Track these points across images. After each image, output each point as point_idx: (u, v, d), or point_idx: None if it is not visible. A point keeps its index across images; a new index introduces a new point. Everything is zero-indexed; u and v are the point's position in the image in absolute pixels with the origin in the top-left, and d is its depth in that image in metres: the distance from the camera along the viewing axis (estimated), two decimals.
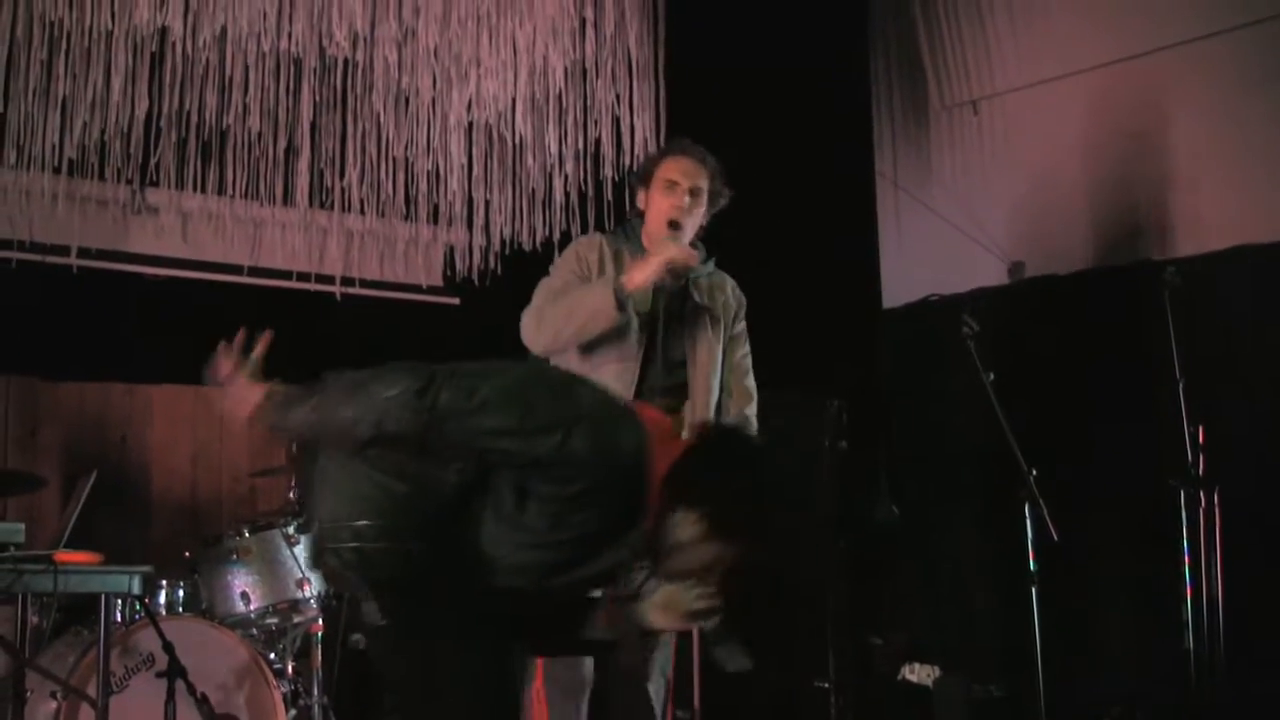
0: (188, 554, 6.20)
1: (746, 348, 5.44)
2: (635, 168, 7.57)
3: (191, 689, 5.28)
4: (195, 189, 7.07)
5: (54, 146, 6.61)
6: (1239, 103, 7.02)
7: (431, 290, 8.04)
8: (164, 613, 5.94)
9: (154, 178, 6.93)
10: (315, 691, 6.25)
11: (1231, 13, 7.06)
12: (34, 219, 6.67)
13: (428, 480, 3.58)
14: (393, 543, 3.57)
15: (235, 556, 6.07)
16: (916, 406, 8.09)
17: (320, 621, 6.31)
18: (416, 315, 7.95)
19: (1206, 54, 7.13)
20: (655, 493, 3.52)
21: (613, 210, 7.66)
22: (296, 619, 6.22)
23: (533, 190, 7.73)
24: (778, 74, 7.98)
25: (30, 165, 6.58)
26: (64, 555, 5.14)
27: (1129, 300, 7.03)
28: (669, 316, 5.16)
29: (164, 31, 6.77)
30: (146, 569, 5.51)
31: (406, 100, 7.50)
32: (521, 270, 7.02)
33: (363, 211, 7.50)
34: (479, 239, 7.74)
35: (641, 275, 4.99)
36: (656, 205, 5.21)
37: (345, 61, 7.30)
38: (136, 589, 5.44)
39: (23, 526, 5.15)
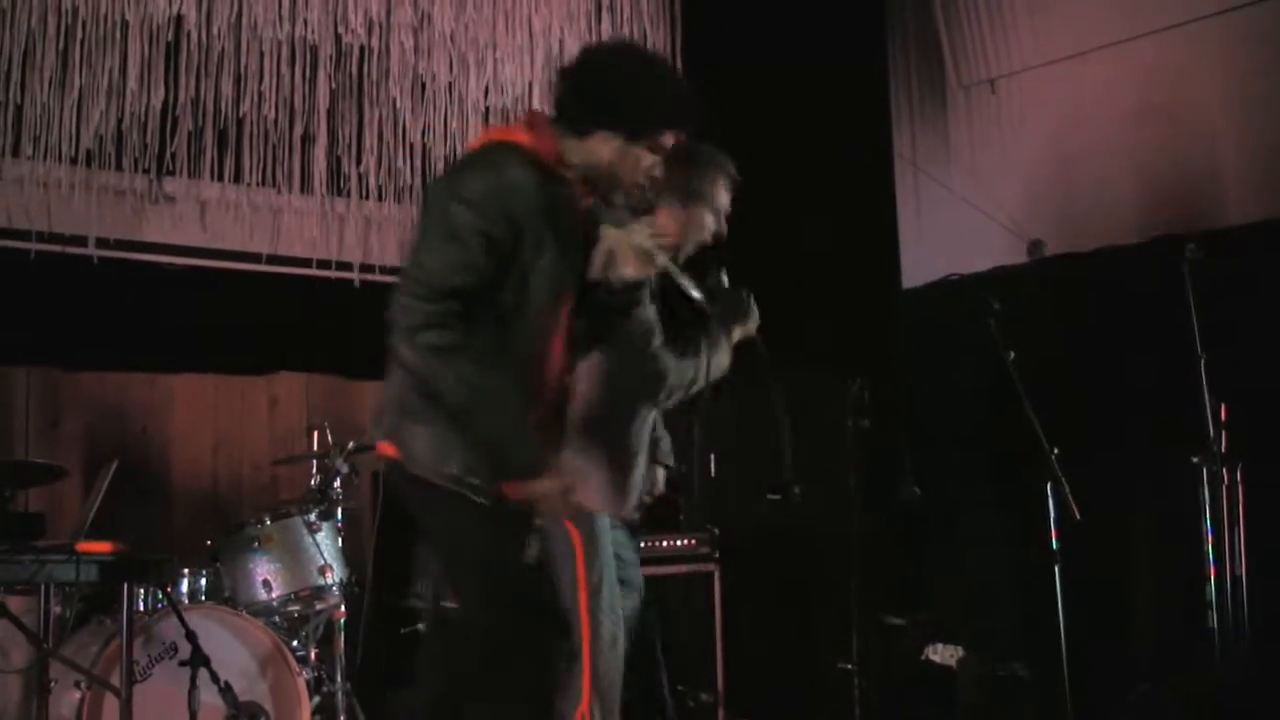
0: (209, 543, 6.20)
1: None
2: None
3: (215, 677, 5.28)
4: (212, 177, 7.08)
5: (71, 137, 6.63)
6: (1258, 76, 6.98)
7: None
8: (186, 601, 5.94)
9: (171, 167, 6.95)
10: (339, 678, 6.26)
11: None
12: (52, 209, 6.67)
13: None
14: None
15: (257, 544, 6.07)
16: (938, 385, 8.06)
17: (343, 608, 6.31)
18: None
19: (1225, 27, 7.09)
20: None
21: None
22: (319, 606, 6.22)
23: None
24: (795, 56, 7.97)
25: (47, 156, 6.60)
26: (86, 545, 5.16)
27: (1150, 276, 6.99)
28: None
29: (179, 20, 6.79)
30: (168, 558, 5.53)
31: (423, 85, 7.51)
32: None
33: (380, 198, 7.50)
34: None
35: None
36: None
37: (361, 48, 7.31)
38: (159, 578, 5.46)
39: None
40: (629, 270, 3.94)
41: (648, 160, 3.90)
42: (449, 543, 4.00)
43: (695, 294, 4.27)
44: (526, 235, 3.75)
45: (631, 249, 3.93)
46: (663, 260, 4.08)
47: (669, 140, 3.92)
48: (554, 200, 3.80)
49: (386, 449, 3.97)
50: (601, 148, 3.86)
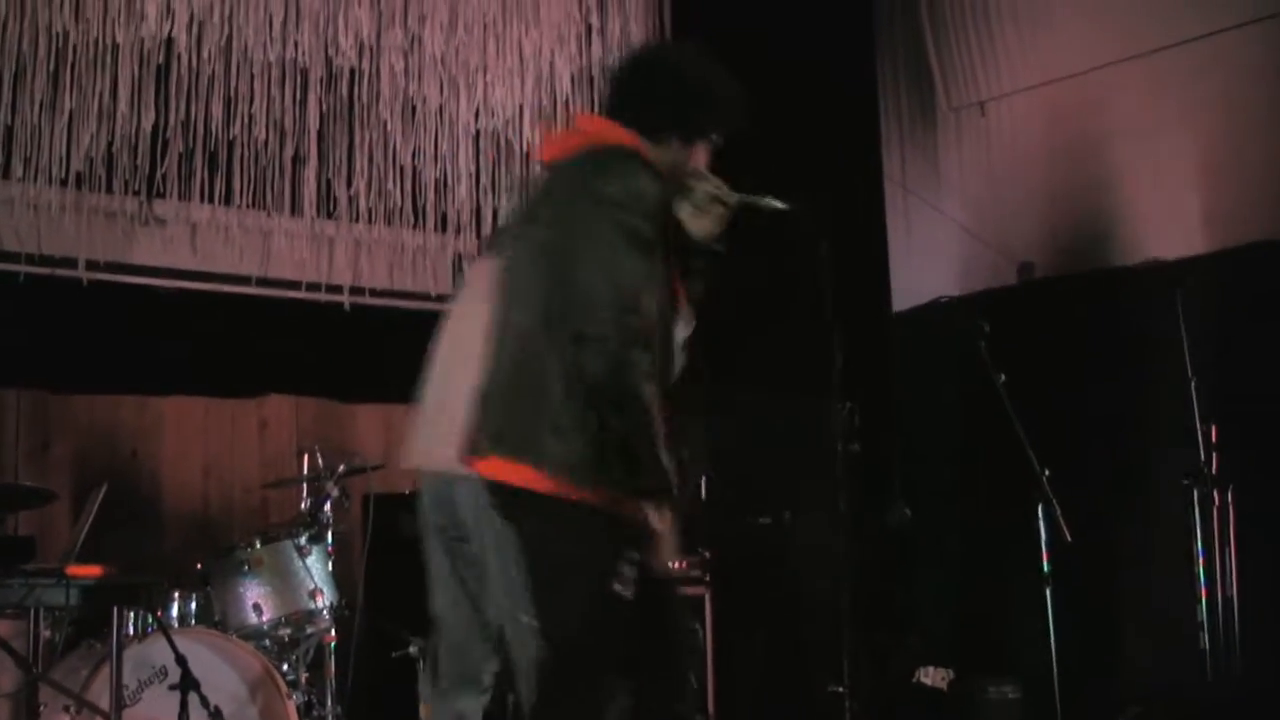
0: (200, 566, 6.18)
1: None
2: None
3: (205, 701, 5.25)
4: (203, 200, 7.08)
5: (61, 159, 6.62)
6: (1247, 99, 7.01)
7: (440, 298, 8.01)
8: (176, 625, 5.92)
9: (161, 189, 6.94)
10: (329, 702, 6.24)
11: (1235, 11, 7.05)
12: (42, 231, 6.66)
13: None
14: None
15: (247, 568, 6.06)
16: (928, 408, 8.07)
17: (333, 632, 6.30)
18: (426, 323, 7.90)
19: (1214, 51, 7.12)
20: None
21: None
22: (309, 630, 6.21)
23: None
24: (785, 79, 7.97)
25: (38, 178, 6.59)
26: (76, 568, 5.14)
27: (1140, 299, 7.01)
28: None
29: (170, 43, 6.79)
30: (158, 581, 5.52)
31: (413, 108, 7.51)
32: None
33: (370, 220, 7.50)
34: None
35: None
36: None
37: (351, 70, 7.31)
38: (148, 602, 5.45)
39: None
40: (712, 226, 3.91)
41: (701, 159, 3.94)
42: (562, 562, 3.83)
43: (778, 204, 4.25)
44: (655, 245, 3.71)
45: (708, 206, 3.89)
46: (734, 196, 4.01)
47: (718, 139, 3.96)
48: (664, 208, 3.77)
49: (493, 468, 3.85)
50: (668, 150, 3.89)
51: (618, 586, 3.68)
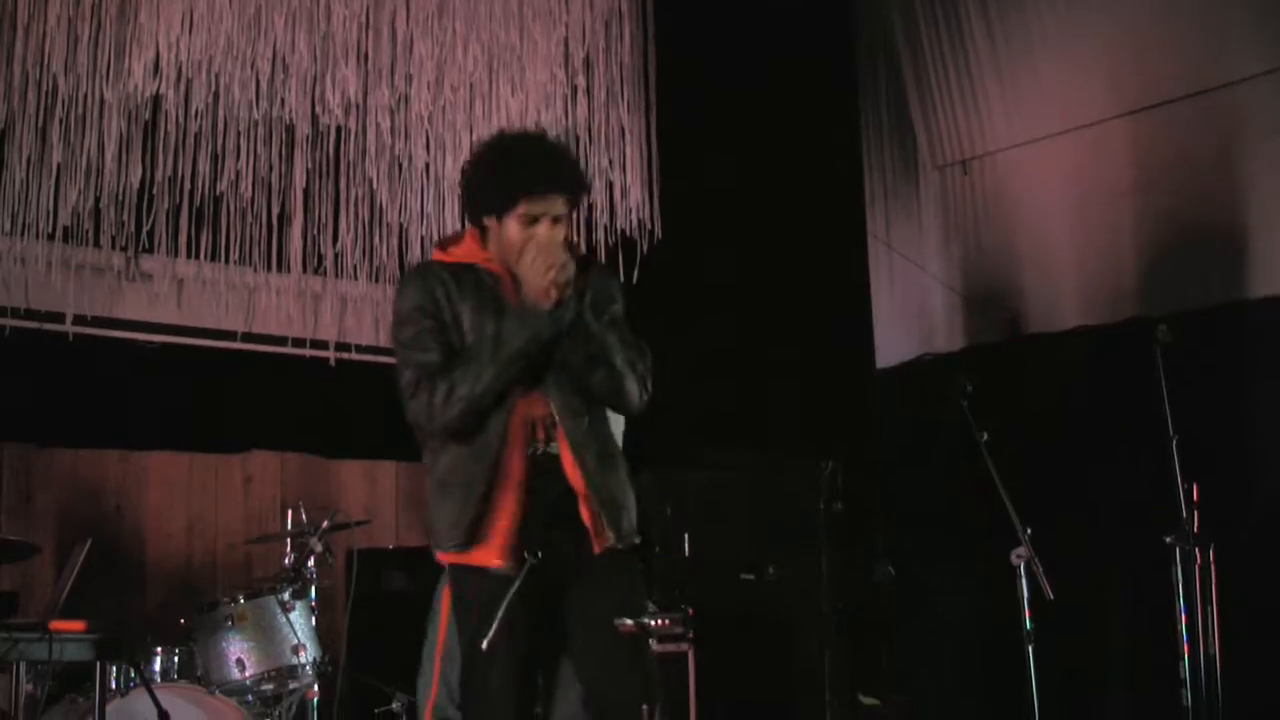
0: (183, 621, 6.18)
1: None
2: (629, 232, 7.64)
3: None
4: (189, 255, 7.08)
5: (48, 213, 6.63)
6: (1228, 158, 7.05)
7: None
8: (159, 680, 5.91)
9: (148, 244, 6.95)
10: None
11: (1219, 71, 7.10)
12: (29, 285, 6.67)
13: None
14: None
15: (230, 623, 6.05)
16: (911, 466, 8.08)
17: (315, 688, 6.28)
18: None
19: (1195, 111, 7.17)
20: None
21: None
22: (292, 685, 6.19)
23: None
24: (770, 135, 8.04)
25: (25, 232, 6.60)
26: (59, 623, 5.13)
27: (1121, 357, 7.04)
28: None
29: (157, 99, 6.81)
30: (141, 636, 5.51)
31: (400, 166, 7.53)
32: None
33: (356, 277, 7.51)
34: None
35: None
36: None
37: (338, 128, 7.33)
38: (131, 657, 5.43)
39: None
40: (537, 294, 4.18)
41: (515, 231, 4.19)
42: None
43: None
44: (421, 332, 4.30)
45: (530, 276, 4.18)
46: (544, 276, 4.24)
47: (536, 205, 4.18)
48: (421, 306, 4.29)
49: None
50: (492, 230, 4.27)
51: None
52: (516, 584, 3.97)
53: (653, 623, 4.25)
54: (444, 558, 4.23)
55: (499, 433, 4.14)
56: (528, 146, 4.31)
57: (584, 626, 4.23)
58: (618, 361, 4.20)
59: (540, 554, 4.02)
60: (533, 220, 4.17)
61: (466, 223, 4.44)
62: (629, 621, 4.15)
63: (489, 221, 4.24)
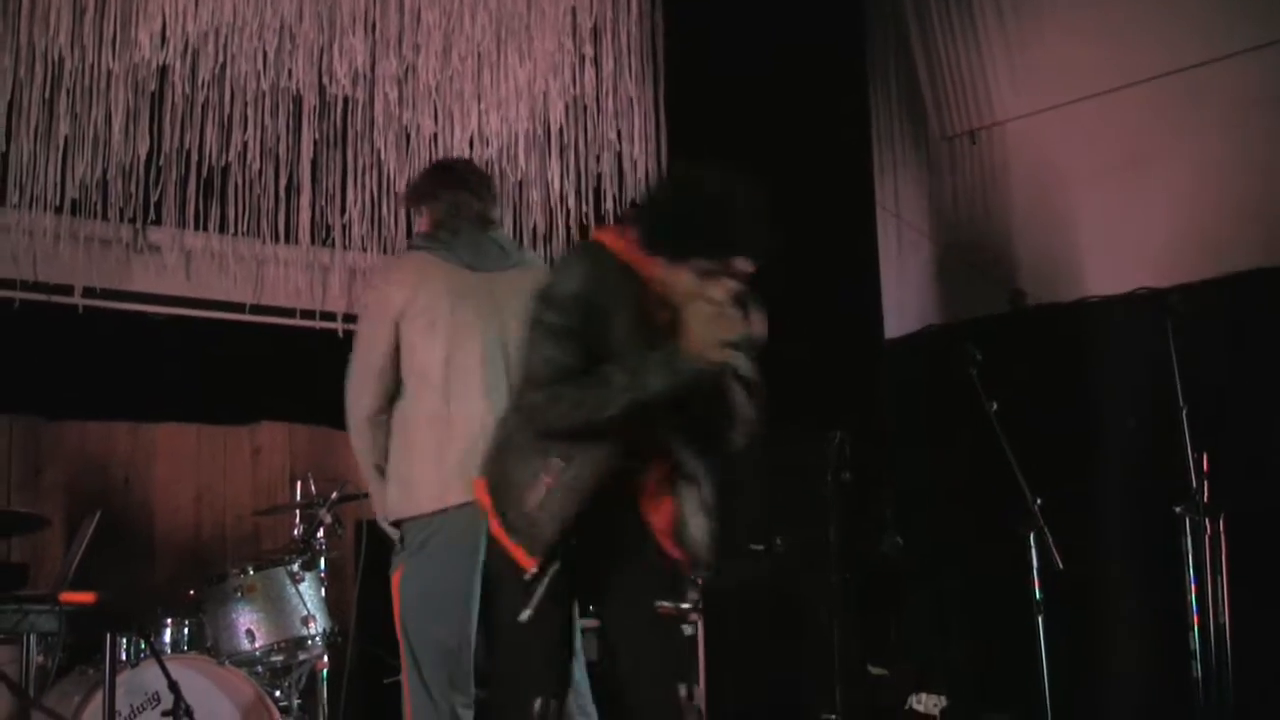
0: (192, 592, 6.18)
1: None
2: (636, 200, 7.60)
3: None
4: (197, 227, 7.07)
5: (56, 185, 6.63)
6: (1240, 127, 7.03)
7: None
8: (169, 651, 5.92)
9: (156, 216, 6.94)
10: None
11: (1229, 39, 7.08)
12: (37, 258, 6.66)
13: None
14: None
15: (240, 594, 6.05)
16: (919, 436, 8.08)
17: (325, 659, 6.29)
18: None
19: (1205, 79, 7.15)
20: None
21: None
22: (302, 656, 6.20)
23: (534, 225, 7.74)
24: (777, 109, 8.01)
25: (33, 205, 6.60)
26: (68, 595, 5.14)
27: (1131, 327, 7.03)
28: None
29: (164, 70, 6.80)
30: (151, 608, 5.51)
31: (407, 136, 7.52)
32: None
33: (365, 248, 7.50)
34: None
35: None
36: None
37: (345, 99, 7.32)
38: (141, 628, 5.44)
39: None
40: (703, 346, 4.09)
41: (691, 278, 4.03)
42: None
43: (746, 374, 4.34)
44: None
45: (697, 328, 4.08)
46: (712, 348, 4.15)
47: (727, 266, 4.04)
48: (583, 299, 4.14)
49: None
50: (657, 264, 4.08)
51: None
52: (545, 580, 4.09)
53: (690, 607, 4.27)
54: (493, 528, 4.21)
55: (596, 466, 4.08)
56: (734, 203, 4.09)
57: (624, 605, 4.27)
58: (741, 424, 4.18)
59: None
60: (714, 274, 4.04)
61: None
62: (667, 604, 4.18)
63: (666, 256, 4.06)
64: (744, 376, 4.14)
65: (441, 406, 5.08)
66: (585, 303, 4.05)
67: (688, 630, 4.31)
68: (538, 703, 4.14)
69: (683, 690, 4.13)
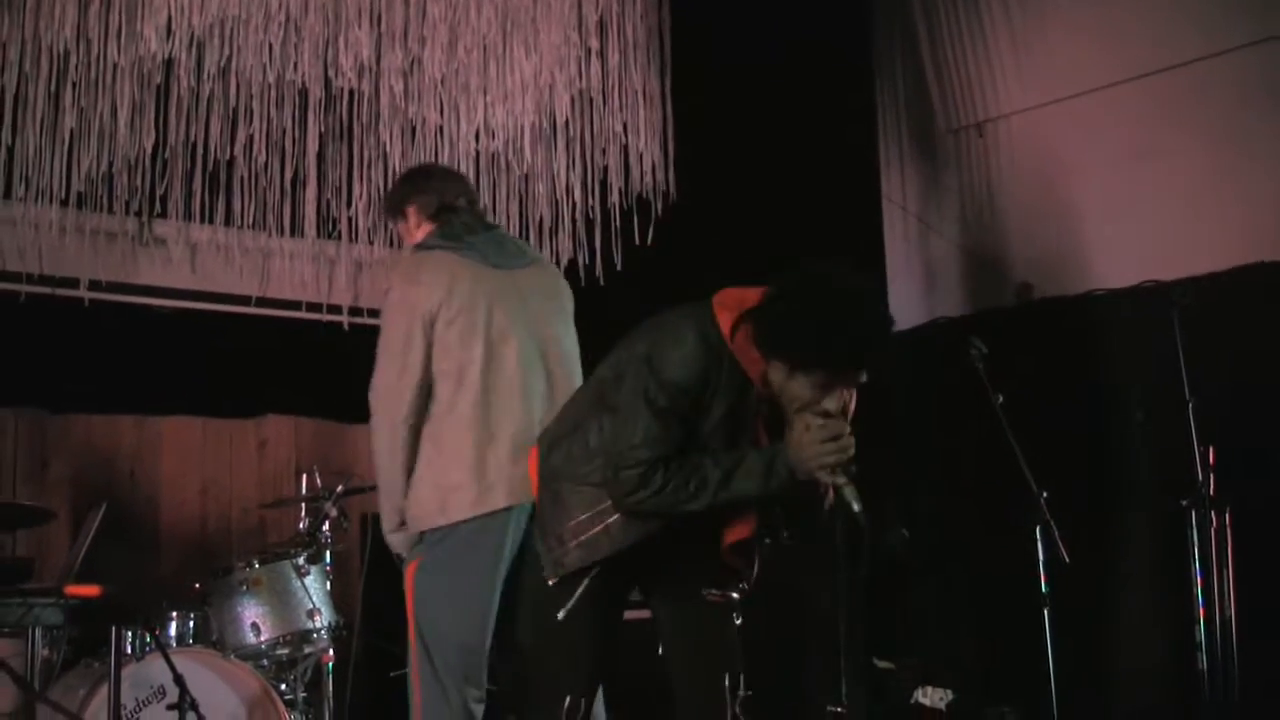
0: (198, 586, 6.19)
1: None
2: (642, 194, 7.61)
3: None
4: (203, 220, 7.08)
5: (62, 179, 6.63)
6: (1244, 121, 7.02)
7: None
8: (174, 645, 5.93)
9: (162, 209, 6.94)
10: None
11: (1234, 33, 7.06)
12: (43, 251, 6.67)
13: None
14: None
15: (245, 588, 6.05)
16: (925, 429, 8.07)
17: (331, 652, 6.29)
18: None
19: (1211, 73, 7.13)
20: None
21: (619, 237, 7.68)
22: (307, 649, 6.20)
23: (540, 218, 7.74)
24: (783, 102, 8.00)
25: (39, 198, 6.60)
26: (74, 588, 5.14)
27: (1137, 320, 7.02)
28: None
29: (170, 63, 6.80)
30: (156, 601, 5.51)
31: (413, 129, 7.51)
32: None
33: (370, 241, 7.50)
34: None
35: None
36: None
37: (351, 91, 7.32)
38: (146, 621, 5.44)
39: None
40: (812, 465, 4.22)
41: (805, 388, 4.00)
42: None
43: (855, 504, 4.49)
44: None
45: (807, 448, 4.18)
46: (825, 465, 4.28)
47: (846, 380, 4.05)
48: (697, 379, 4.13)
49: None
50: (775, 369, 4.00)
51: None
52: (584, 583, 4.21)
53: (739, 596, 4.28)
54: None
55: (646, 530, 4.18)
56: (862, 315, 4.01)
57: (673, 594, 4.33)
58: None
59: None
60: (831, 386, 3.99)
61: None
62: (716, 592, 4.19)
63: (787, 364, 3.97)
64: (850, 505, 4.25)
65: (481, 412, 4.86)
66: (695, 394, 4.03)
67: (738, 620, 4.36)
68: (566, 702, 4.16)
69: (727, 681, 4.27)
